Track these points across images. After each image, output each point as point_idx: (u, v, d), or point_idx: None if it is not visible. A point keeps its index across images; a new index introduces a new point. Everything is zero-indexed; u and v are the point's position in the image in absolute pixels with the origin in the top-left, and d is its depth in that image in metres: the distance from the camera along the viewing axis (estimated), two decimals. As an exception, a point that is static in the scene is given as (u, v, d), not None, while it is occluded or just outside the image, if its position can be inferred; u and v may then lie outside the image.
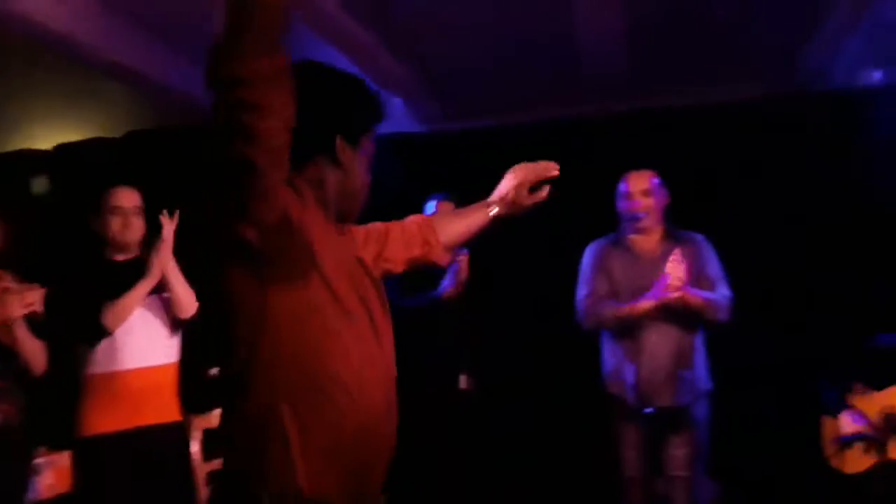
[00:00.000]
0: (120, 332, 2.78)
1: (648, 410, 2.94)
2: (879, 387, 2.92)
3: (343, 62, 3.73)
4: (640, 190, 3.13)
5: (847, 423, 2.89)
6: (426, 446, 3.24)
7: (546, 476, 3.95)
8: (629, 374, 2.99)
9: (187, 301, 2.90)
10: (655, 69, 4.04)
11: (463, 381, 3.46)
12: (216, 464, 3.15)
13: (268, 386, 1.35)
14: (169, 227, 2.82)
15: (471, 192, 3.71)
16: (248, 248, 1.31)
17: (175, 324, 2.93)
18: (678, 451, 3.02)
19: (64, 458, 3.18)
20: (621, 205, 3.19)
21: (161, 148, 4.40)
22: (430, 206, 3.52)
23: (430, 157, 4.30)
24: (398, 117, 4.49)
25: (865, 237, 3.69)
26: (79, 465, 2.80)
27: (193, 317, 2.93)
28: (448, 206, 3.49)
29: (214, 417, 3.24)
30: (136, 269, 2.85)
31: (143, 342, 2.85)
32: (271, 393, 1.35)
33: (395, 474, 1.52)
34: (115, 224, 2.85)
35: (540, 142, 4.29)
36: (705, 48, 3.80)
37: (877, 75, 4.07)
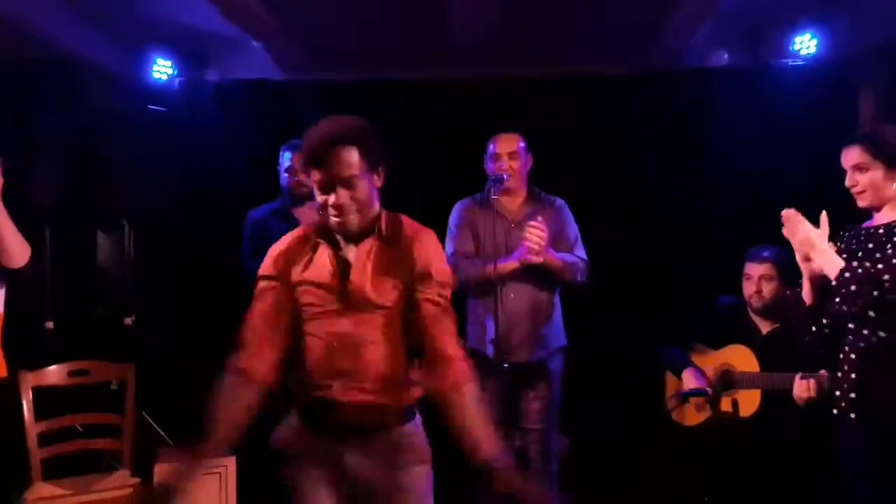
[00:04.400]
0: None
1: (506, 366, 3.00)
2: (717, 346, 3.13)
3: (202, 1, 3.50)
4: (508, 152, 3.18)
5: (688, 380, 3.09)
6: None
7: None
8: (489, 330, 3.04)
9: (17, 250, 2.62)
10: (525, 38, 4.09)
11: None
12: (48, 424, 2.93)
13: None
14: None
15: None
16: None
17: (1, 273, 2.65)
18: (534, 405, 3.13)
19: None
20: (488, 166, 3.23)
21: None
22: (285, 157, 3.38)
23: (290, 105, 4.13)
24: (260, 63, 4.28)
25: (710, 206, 3.93)
26: None
27: (24, 267, 2.66)
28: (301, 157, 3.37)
29: (47, 374, 3.00)
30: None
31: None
32: None
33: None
34: None
35: (407, 101, 4.28)
36: (573, 22, 3.88)
37: (724, 57, 4.33)
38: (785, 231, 2.29)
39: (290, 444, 1.96)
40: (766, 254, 3.08)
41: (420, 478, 1.92)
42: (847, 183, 2.31)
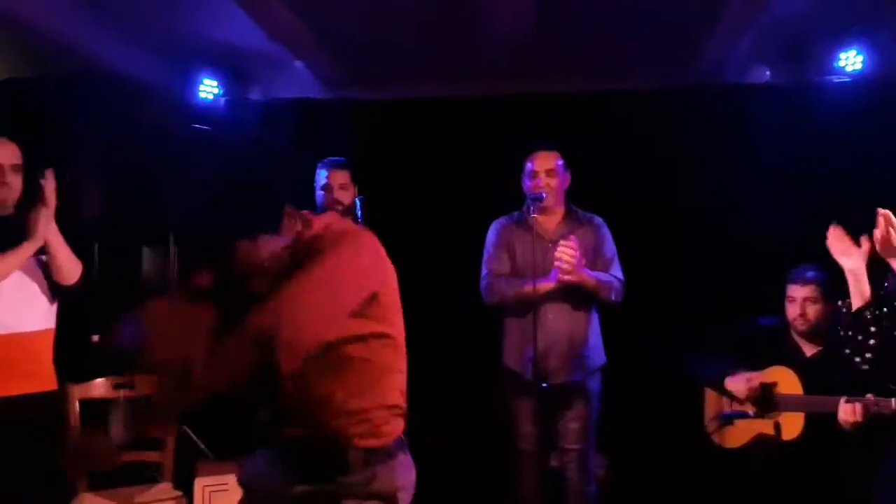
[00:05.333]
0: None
1: (545, 385, 2.99)
2: (757, 368, 3.08)
3: (240, 15, 3.57)
4: (545, 170, 3.18)
5: (732, 385, 3.04)
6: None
7: (441, 449, 3.96)
8: (527, 351, 3.04)
9: (70, 267, 2.72)
10: (562, 51, 4.09)
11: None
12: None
13: None
14: (50, 187, 2.62)
15: (367, 160, 3.71)
16: None
17: (54, 289, 2.74)
18: (572, 425, 3.11)
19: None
20: (526, 184, 3.23)
21: (40, 98, 4.08)
22: (321, 174, 3.41)
23: (330, 123, 4.19)
24: (302, 81, 4.35)
25: (750, 224, 3.88)
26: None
27: (76, 284, 2.75)
28: (342, 174, 3.40)
29: (93, 387, 3.07)
30: (12, 228, 2.64)
31: (16, 307, 2.64)
32: None
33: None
34: None
35: (445, 118, 4.31)
36: (610, 37, 3.88)
37: (766, 73, 4.28)
38: (877, 233, 2.26)
39: None
40: (809, 275, 3.02)
41: None
42: None
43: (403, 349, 1.78)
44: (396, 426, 1.74)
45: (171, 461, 3.08)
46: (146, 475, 3.14)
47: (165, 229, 3.99)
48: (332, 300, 1.60)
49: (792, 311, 3.06)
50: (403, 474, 1.73)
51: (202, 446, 3.45)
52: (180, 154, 4.10)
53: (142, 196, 4.10)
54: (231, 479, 3.05)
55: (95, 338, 3.62)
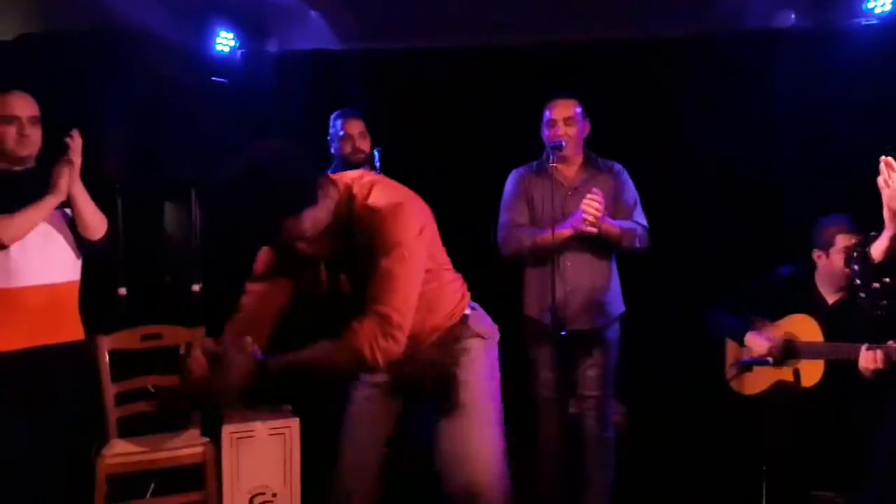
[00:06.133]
0: (15, 248, 2.60)
1: (563, 333, 3.01)
2: (778, 317, 3.07)
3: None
4: (564, 118, 3.15)
5: (752, 341, 3.04)
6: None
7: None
8: (546, 299, 3.05)
9: (95, 223, 2.76)
10: (579, 1, 4.01)
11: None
12: (123, 385, 3.07)
13: None
14: (76, 146, 2.64)
15: (383, 113, 3.68)
16: None
17: (81, 244, 2.78)
18: (591, 372, 3.13)
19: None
20: (544, 132, 3.21)
21: (56, 53, 4.08)
22: (338, 124, 3.42)
23: (347, 75, 4.17)
24: (318, 32, 4.31)
25: (770, 174, 3.83)
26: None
27: (102, 239, 2.79)
28: (358, 123, 3.42)
29: (121, 338, 3.14)
30: (33, 182, 2.67)
31: (43, 259, 2.69)
32: None
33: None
34: (9, 134, 2.65)
35: (463, 68, 4.26)
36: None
37: (791, 17, 4.16)
38: (880, 180, 2.18)
39: None
40: (852, 224, 2.93)
41: None
42: None
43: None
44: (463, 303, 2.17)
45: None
46: (175, 422, 3.21)
47: (187, 183, 4.03)
48: (419, 270, 1.90)
49: (842, 259, 2.97)
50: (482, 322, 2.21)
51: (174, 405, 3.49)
52: (199, 108, 4.12)
53: (163, 150, 4.13)
54: (257, 426, 3.12)
55: (122, 290, 3.69)
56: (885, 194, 2.19)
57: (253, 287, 2.07)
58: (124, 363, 3.11)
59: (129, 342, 3.13)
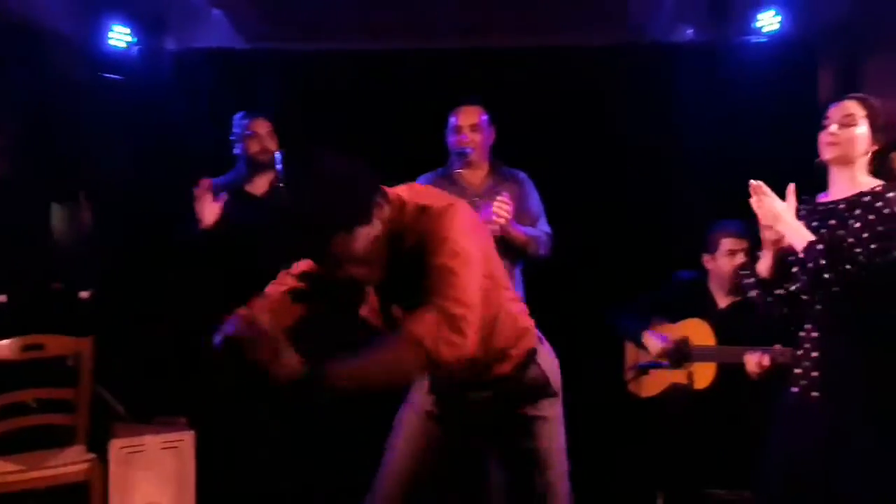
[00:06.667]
0: None
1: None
2: (675, 320, 3.17)
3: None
4: (469, 124, 3.16)
5: (649, 341, 3.12)
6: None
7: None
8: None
9: None
10: (486, 8, 4.05)
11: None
12: (4, 398, 2.88)
13: None
14: None
15: (288, 114, 3.60)
16: None
17: None
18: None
19: None
20: (450, 139, 3.20)
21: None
22: (243, 124, 3.33)
23: (250, 75, 4.07)
24: (220, 31, 4.19)
25: (671, 182, 3.96)
26: None
27: None
28: (266, 123, 3.34)
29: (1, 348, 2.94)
30: None
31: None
32: None
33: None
34: None
35: (369, 71, 4.22)
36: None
37: (689, 32, 4.33)
38: (752, 201, 2.27)
39: None
40: (742, 229, 3.04)
41: None
42: (829, 133, 2.24)
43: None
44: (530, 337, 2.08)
45: (85, 423, 2.98)
46: (56, 438, 3.04)
47: (75, 184, 3.83)
48: (476, 267, 1.75)
49: (728, 263, 3.10)
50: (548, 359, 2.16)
51: (118, 407, 3.36)
52: (90, 105, 3.92)
53: (51, 149, 3.91)
54: (147, 440, 2.99)
55: (2, 298, 3.46)
56: (760, 214, 2.29)
57: (286, 280, 1.95)
58: (2, 375, 2.92)
59: (8, 353, 2.94)
